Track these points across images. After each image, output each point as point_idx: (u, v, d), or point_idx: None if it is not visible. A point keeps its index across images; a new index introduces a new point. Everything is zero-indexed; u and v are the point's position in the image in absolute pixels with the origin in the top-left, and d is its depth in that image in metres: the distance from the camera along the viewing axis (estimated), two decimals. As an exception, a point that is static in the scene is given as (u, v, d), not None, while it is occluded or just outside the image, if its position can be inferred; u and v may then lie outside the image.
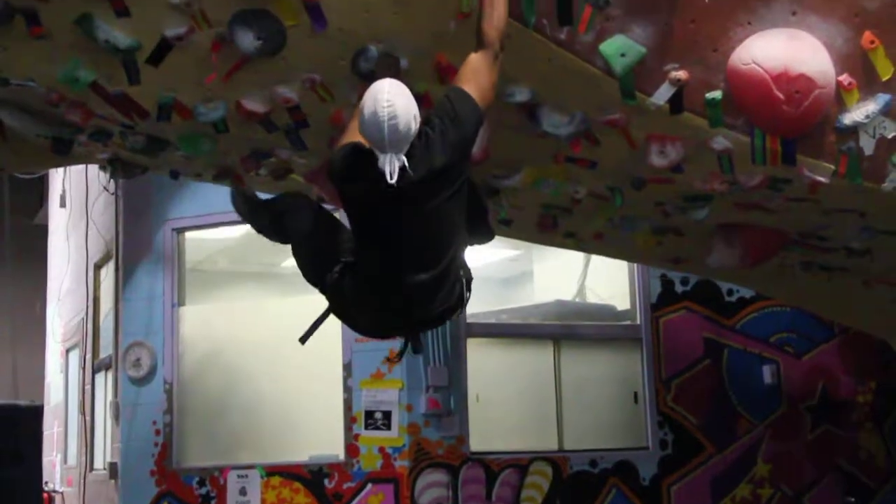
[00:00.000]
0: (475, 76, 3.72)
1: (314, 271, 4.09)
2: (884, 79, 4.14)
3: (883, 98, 4.17)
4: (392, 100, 3.49)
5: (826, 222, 5.35)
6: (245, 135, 5.00)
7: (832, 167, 4.36)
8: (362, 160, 3.65)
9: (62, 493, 10.85)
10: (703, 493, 8.95)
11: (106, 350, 9.78)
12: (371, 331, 4.21)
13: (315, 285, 4.14)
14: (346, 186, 3.81)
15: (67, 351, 11.61)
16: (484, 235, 4.35)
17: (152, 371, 8.74)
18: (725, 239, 5.77)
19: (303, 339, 4.13)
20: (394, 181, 3.47)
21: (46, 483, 9.67)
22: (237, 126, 4.88)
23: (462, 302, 3.94)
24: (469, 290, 3.96)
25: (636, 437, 8.97)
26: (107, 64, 4.38)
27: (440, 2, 3.97)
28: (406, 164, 3.50)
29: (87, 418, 10.11)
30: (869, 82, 4.16)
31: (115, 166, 5.72)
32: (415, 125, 3.53)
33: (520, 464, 8.43)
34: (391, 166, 3.49)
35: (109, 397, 9.39)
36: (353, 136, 3.84)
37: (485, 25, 3.73)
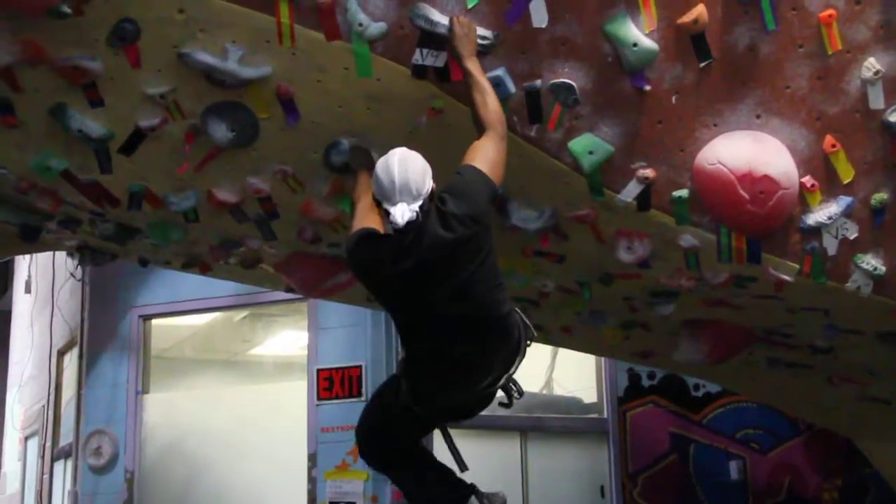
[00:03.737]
0: (483, 152, 3.74)
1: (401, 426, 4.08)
2: (845, 182, 4.23)
3: (844, 200, 4.26)
4: (403, 152, 3.57)
5: (791, 320, 5.40)
6: (215, 224, 5.01)
7: (797, 266, 4.42)
8: (378, 244, 3.65)
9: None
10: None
11: (66, 438, 9.62)
12: (466, 411, 4.14)
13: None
14: (369, 274, 3.77)
15: (26, 439, 11.41)
16: None
17: (113, 460, 8.61)
18: (692, 334, 5.81)
19: (461, 467, 4.14)
20: (403, 223, 3.44)
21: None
22: (208, 215, 4.89)
23: (525, 345, 3.93)
24: (530, 334, 3.96)
25: (603, 532, 8.90)
26: (79, 153, 4.41)
27: (412, 99, 4.03)
28: (418, 212, 3.47)
29: (45, 507, 9.91)
30: (831, 184, 4.24)
31: (83, 253, 5.71)
32: (428, 179, 3.54)
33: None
34: (402, 214, 3.45)
35: (68, 486, 9.22)
36: (362, 220, 3.84)
37: (482, 113, 3.79)
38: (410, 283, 3.60)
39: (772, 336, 5.83)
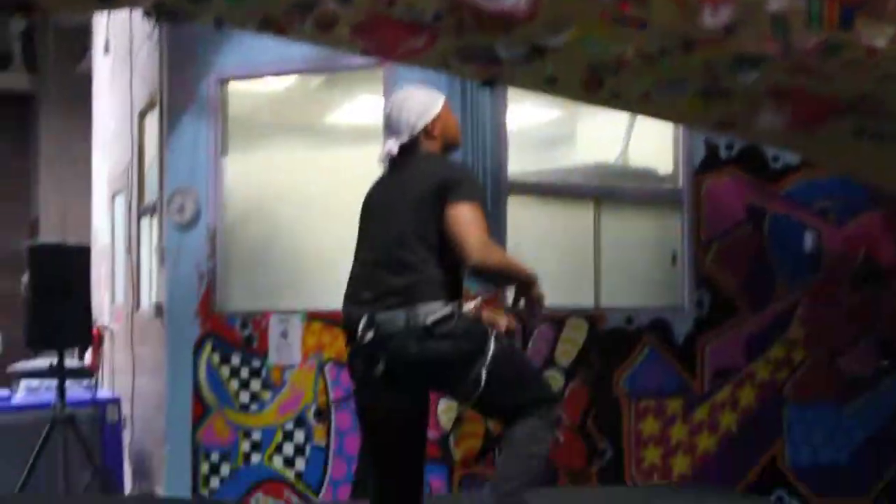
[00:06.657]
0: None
1: None
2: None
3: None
4: (405, 92, 4.00)
5: (881, 89, 5.25)
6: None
7: (892, 29, 4.24)
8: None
9: (111, 329, 11.13)
10: (737, 353, 9.01)
11: (151, 196, 9.90)
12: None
13: None
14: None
15: (113, 196, 11.78)
16: None
17: (196, 217, 8.84)
18: (775, 102, 5.69)
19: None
20: (382, 155, 3.96)
21: (96, 319, 9.85)
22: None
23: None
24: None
25: (673, 297, 9.02)
26: None
27: None
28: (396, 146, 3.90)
29: (134, 259, 10.31)
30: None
31: (160, 11, 5.67)
32: (422, 119, 3.97)
33: (555, 319, 8.50)
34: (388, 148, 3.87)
35: (154, 241, 9.56)
36: None
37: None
38: (372, 212, 3.74)
39: (859, 105, 5.68)
